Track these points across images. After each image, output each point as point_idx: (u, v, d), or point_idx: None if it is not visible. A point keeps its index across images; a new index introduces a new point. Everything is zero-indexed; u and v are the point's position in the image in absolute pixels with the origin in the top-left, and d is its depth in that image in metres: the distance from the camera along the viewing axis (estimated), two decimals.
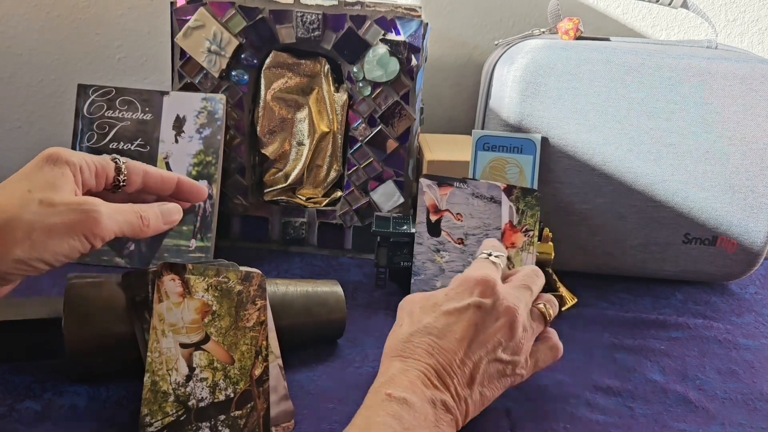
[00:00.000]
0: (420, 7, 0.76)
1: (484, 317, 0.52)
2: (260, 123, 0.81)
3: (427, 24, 0.77)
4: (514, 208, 0.70)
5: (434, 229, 0.71)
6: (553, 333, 0.58)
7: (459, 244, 0.70)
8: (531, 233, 0.70)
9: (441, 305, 0.53)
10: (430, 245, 0.71)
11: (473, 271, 0.56)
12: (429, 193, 0.71)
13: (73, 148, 0.77)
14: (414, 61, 0.77)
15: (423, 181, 0.71)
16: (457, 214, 0.70)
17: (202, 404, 0.52)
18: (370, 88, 0.78)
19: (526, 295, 0.56)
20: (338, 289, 0.65)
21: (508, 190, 0.70)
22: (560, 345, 0.58)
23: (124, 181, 0.56)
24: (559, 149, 0.75)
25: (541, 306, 0.57)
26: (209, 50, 0.78)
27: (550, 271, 0.73)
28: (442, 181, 0.71)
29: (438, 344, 0.51)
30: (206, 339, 0.54)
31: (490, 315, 0.52)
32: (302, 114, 0.81)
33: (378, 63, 0.76)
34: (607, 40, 0.78)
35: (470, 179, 0.71)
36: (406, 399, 0.47)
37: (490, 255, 0.59)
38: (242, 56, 0.78)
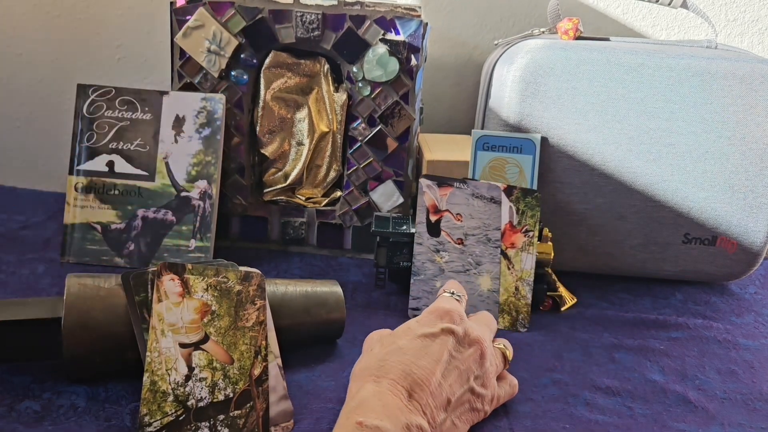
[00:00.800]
0: (420, 7, 0.76)
1: (456, 344, 0.53)
2: (260, 123, 0.81)
3: (426, 24, 0.77)
4: (514, 209, 0.70)
5: (434, 229, 0.71)
6: (507, 373, 0.59)
7: (459, 244, 0.70)
8: (531, 234, 0.70)
9: (414, 330, 0.54)
10: (430, 245, 0.71)
11: (441, 302, 0.57)
12: (429, 193, 0.71)
13: (73, 148, 0.77)
14: (414, 61, 0.77)
15: (423, 181, 0.71)
16: (457, 214, 0.70)
17: (201, 404, 0.52)
18: (369, 88, 0.78)
19: (487, 333, 0.57)
20: (338, 289, 0.65)
21: (508, 190, 0.70)
22: (516, 382, 0.59)
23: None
24: (559, 149, 0.75)
25: (501, 346, 0.58)
26: (209, 50, 0.78)
27: (550, 271, 0.73)
28: (442, 182, 0.71)
29: (415, 363, 0.50)
30: (205, 339, 0.54)
31: (462, 342, 0.53)
32: (302, 114, 0.81)
33: (378, 63, 0.76)
34: (607, 40, 0.78)
35: (470, 179, 0.71)
36: (379, 427, 0.45)
37: (453, 294, 0.59)
38: (242, 56, 0.78)
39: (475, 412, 0.53)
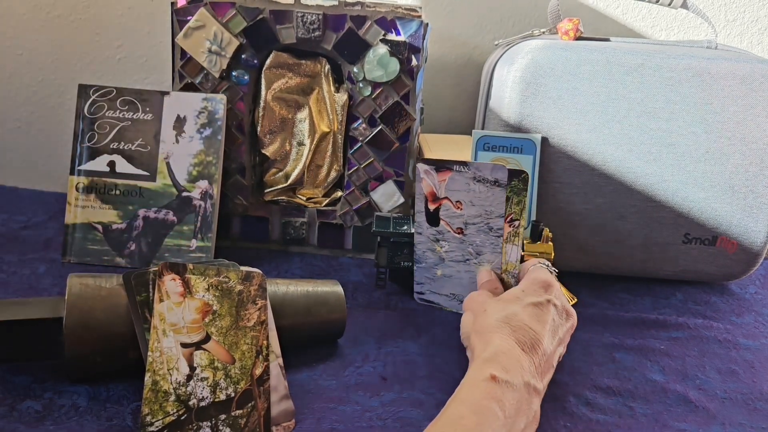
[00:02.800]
0: (420, 8, 0.76)
1: (558, 314, 0.58)
2: (261, 123, 0.81)
3: (427, 24, 0.77)
4: None
5: (433, 218, 0.68)
6: None
7: (458, 234, 0.67)
8: (517, 223, 0.64)
9: (522, 299, 0.58)
10: (429, 235, 0.69)
11: (541, 273, 0.61)
12: (427, 180, 0.66)
13: (74, 148, 0.77)
14: (414, 62, 0.77)
15: (420, 166, 0.66)
16: (457, 201, 0.66)
17: (202, 404, 0.52)
18: (370, 89, 0.78)
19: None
20: (338, 288, 0.65)
21: None
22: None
23: None
24: (559, 149, 0.75)
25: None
26: (210, 50, 0.78)
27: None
28: (440, 166, 0.65)
29: (531, 328, 0.55)
30: (207, 338, 0.54)
31: (560, 314, 0.58)
32: (302, 114, 0.81)
33: (378, 63, 0.76)
34: (607, 40, 0.78)
35: (471, 162, 0.66)
36: (509, 382, 0.50)
37: (547, 266, 0.63)
38: (243, 56, 0.78)
39: (553, 372, 0.58)
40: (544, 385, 0.54)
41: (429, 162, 0.66)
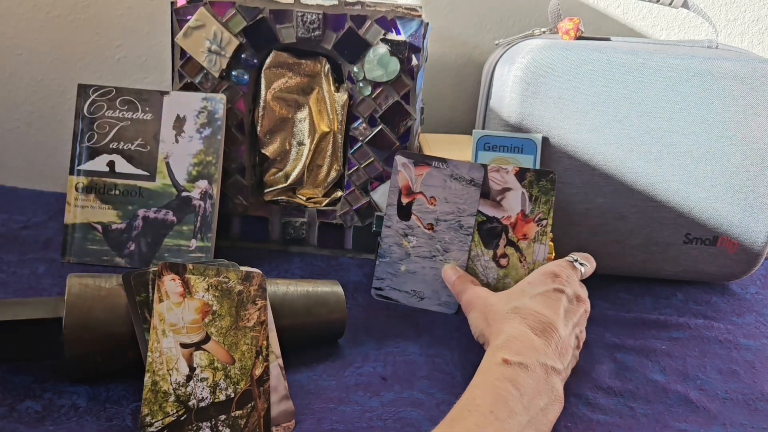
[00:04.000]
0: (420, 7, 0.76)
1: (569, 300, 0.59)
2: (260, 123, 0.81)
3: (427, 24, 0.77)
4: (527, 195, 0.67)
5: (404, 212, 0.68)
6: None
7: (429, 229, 0.67)
8: (545, 222, 0.67)
9: (528, 291, 0.59)
10: (398, 229, 0.68)
11: (552, 265, 0.62)
12: (404, 173, 0.67)
13: (74, 148, 0.77)
14: (414, 61, 0.76)
15: (398, 158, 0.67)
16: (431, 197, 0.67)
17: (202, 404, 0.52)
18: (370, 88, 0.78)
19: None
20: (338, 289, 0.65)
21: (520, 174, 0.67)
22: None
23: None
24: (560, 149, 0.75)
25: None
26: (209, 50, 0.77)
27: None
28: (419, 160, 0.67)
29: (542, 313, 0.56)
30: (207, 339, 0.54)
31: (572, 301, 0.59)
32: (302, 114, 0.81)
33: (378, 63, 0.76)
34: (608, 40, 0.78)
35: (450, 159, 0.67)
36: (522, 363, 0.51)
37: (576, 261, 0.64)
38: (242, 56, 0.78)
39: (574, 359, 0.59)
40: (564, 366, 0.55)
41: (408, 155, 0.67)
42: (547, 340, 0.54)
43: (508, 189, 0.68)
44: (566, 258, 0.65)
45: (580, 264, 0.64)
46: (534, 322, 0.56)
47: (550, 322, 0.56)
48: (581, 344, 0.61)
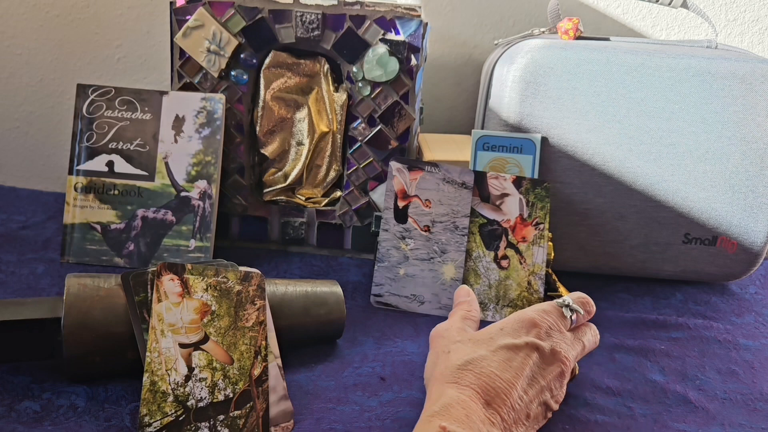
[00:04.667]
0: (420, 7, 0.76)
1: (540, 360, 0.52)
2: (260, 123, 0.81)
3: (426, 24, 0.77)
4: (524, 201, 0.70)
5: (401, 215, 0.70)
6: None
7: (425, 231, 0.69)
8: (542, 226, 0.69)
9: (496, 340, 0.53)
10: (396, 232, 0.70)
11: (532, 310, 0.56)
12: (399, 178, 0.70)
13: (73, 148, 0.77)
14: (414, 61, 0.76)
15: (393, 164, 0.69)
16: (426, 200, 0.69)
17: (201, 404, 0.52)
18: (369, 88, 0.78)
19: (578, 349, 0.56)
20: (338, 289, 0.64)
21: (517, 181, 0.70)
22: (597, 332, 0.61)
23: None
24: (559, 149, 0.75)
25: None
26: (209, 50, 0.77)
27: (550, 271, 0.73)
28: (412, 165, 0.70)
29: (498, 376, 0.50)
30: (205, 339, 0.54)
31: (545, 359, 0.53)
32: (302, 114, 0.81)
33: (377, 63, 0.76)
34: (607, 40, 0.78)
35: (441, 164, 0.70)
36: None
37: (567, 305, 0.57)
38: (241, 56, 0.78)
39: (542, 421, 0.53)
40: None
41: (402, 161, 0.71)
42: (492, 412, 0.48)
43: (507, 194, 0.70)
44: (557, 301, 0.58)
45: (571, 311, 0.57)
46: (484, 386, 0.49)
47: (503, 389, 0.49)
48: (555, 406, 0.54)
